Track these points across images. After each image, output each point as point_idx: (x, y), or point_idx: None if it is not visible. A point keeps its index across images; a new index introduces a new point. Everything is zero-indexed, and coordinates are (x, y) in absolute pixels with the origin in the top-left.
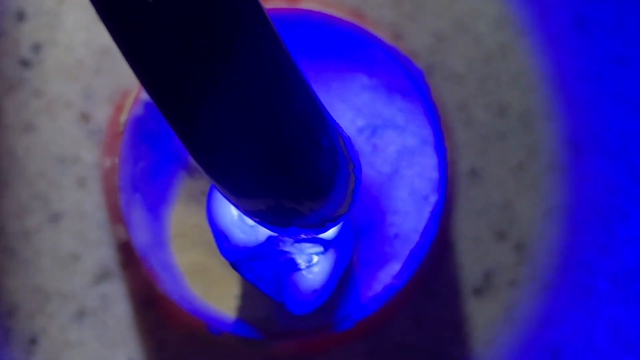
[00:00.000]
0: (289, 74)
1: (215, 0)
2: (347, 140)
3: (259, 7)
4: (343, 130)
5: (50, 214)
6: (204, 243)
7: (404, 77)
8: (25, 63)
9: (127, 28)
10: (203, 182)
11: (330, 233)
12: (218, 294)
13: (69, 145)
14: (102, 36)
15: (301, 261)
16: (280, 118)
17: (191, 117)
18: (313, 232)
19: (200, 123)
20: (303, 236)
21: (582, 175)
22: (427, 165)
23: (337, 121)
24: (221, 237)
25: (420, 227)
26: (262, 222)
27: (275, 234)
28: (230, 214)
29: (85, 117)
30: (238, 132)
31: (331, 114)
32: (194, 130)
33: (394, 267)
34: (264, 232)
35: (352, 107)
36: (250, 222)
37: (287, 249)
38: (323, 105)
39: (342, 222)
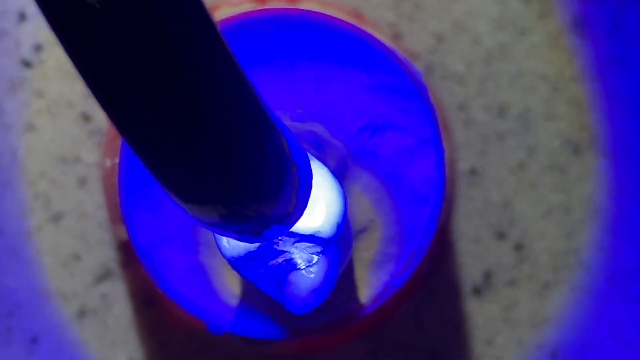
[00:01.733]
0: (232, 78)
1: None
2: (292, 140)
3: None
4: (289, 131)
5: (51, 214)
6: (204, 243)
7: (403, 77)
8: (26, 63)
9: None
10: None
11: (330, 233)
12: (218, 294)
13: (70, 145)
14: None
15: (301, 261)
16: (224, 121)
17: (129, 116)
18: (260, 239)
19: (141, 127)
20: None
21: (582, 175)
22: (427, 165)
23: (337, 121)
24: (221, 237)
25: (420, 227)
26: (214, 228)
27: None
28: None
29: (86, 117)
30: (183, 137)
31: (331, 114)
32: (135, 134)
33: (394, 267)
34: None
35: (352, 107)
36: None
37: (287, 249)
38: (269, 107)
39: (343, 220)
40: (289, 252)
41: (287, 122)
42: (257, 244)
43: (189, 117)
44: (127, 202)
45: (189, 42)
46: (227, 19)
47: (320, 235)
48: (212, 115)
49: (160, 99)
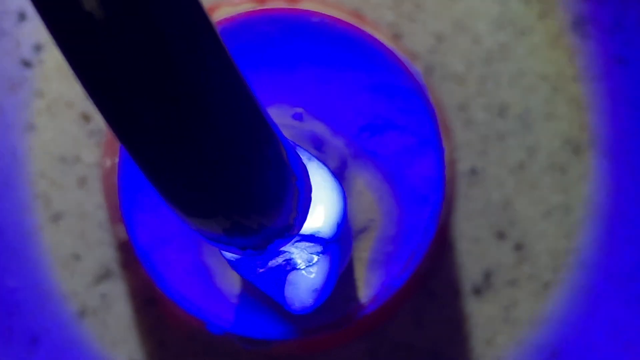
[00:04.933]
0: (233, 83)
1: (155, 10)
2: (292, 152)
3: (201, 12)
4: (288, 142)
5: (51, 214)
6: (204, 243)
7: (403, 77)
8: (26, 63)
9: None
10: None
11: (330, 233)
12: (218, 294)
13: (70, 145)
14: None
15: (301, 261)
16: (226, 131)
17: (129, 126)
18: (263, 253)
19: (145, 141)
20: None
21: (582, 175)
22: (427, 165)
23: (337, 121)
24: None
25: (420, 227)
26: (218, 243)
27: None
28: None
29: (85, 117)
30: (183, 149)
31: (331, 114)
32: (136, 145)
33: (394, 267)
34: None
35: (352, 107)
36: None
37: (287, 249)
38: (269, 116)
39: (342, 220)
40: (289, 252)
41: (287, 122)
42: None
43: (189, 128)
44: (127, 202)
45: (190, 54)
46: (227, 19)
47: (320, 235)
48: (212, 124)
49: (160, 108)
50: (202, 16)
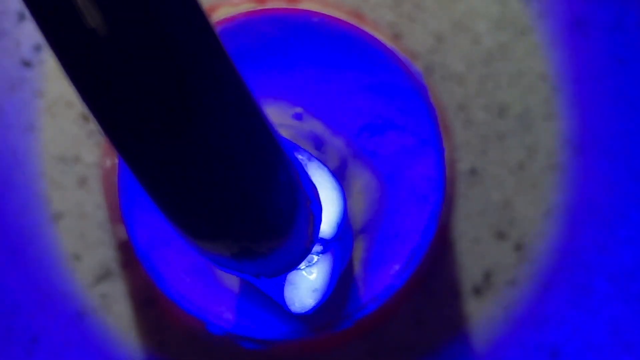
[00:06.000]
0: (244, 106)
1: (167, 29)
2: (304, 175)
3: (209, 29)
4: (300, 164)
5: (51, 214)
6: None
7: (403, 77)
8: (26, 63)
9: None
10: None
11: (330, 233)
12: (218, 294)
13: (70, 145)
14: None
15: None
16: (237, 153)
17: (138, 154)
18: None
19: (152, 166)
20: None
21: (582, 175)
22: (426, 165)
23: (337, 121)
24: None
25: (420, 227)
26: (229, 269)
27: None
28: None
29: (85, 117)
30: (192, 171)
31: (331, 114)
32: (148, 173)
33: (394, 267)
34: None
35: (352, 107)
36: None
37: None
38: (281, 137)
39: (343, 220)
40: None
41: (287, 122)
42: None
43: (197, 147)
44: (127, 202)
45: (199, 72)
46: (226, 19)
47: (321, 235)
48: (222, 145)
49: (168, 127)
50: (208, 30)
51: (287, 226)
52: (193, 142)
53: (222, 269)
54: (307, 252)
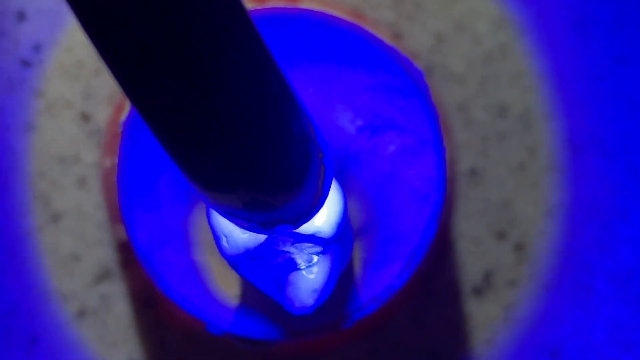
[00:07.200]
0: (259, 55)
1: None
2: (316, 127)
3: None
4: (313, 117)
5: (51, 214)
6: (204, 243)
7: (404, 77)
8: (25, 63)
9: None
10: None
11: (330, 233)
12: (218, 293)
13: (69, 145)
14: None
15: (301, 261)
16: (250, 101)
17: (157, 105)
18: (287, 227)
19: (167, 112)
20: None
21: (582, 175)
22: (426, 165)
23: (337, 121)
24: (221, 237)
25: (420, 227)
26: (238, 220)
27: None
28: None
29: (85, 117)
30: (206, 119)
31: (331, 114)
32: (162, 119)
33: (394, 267)
34: None
35: (352, 107)
36: None
37: (287, 249)
38: (295, 89)
39: (343, 220)
40: (289, 252)
41: None
42: (256, 244)
43: (211, 95)
44: (126, 202)
45: (212, 17)
46: None
47: (321, 235)
48: (236, 93)
49: (183, 74)
50: None
51: (299, 178)
52: (208, 88)
53: (229, 218)
54: (317, 205)
